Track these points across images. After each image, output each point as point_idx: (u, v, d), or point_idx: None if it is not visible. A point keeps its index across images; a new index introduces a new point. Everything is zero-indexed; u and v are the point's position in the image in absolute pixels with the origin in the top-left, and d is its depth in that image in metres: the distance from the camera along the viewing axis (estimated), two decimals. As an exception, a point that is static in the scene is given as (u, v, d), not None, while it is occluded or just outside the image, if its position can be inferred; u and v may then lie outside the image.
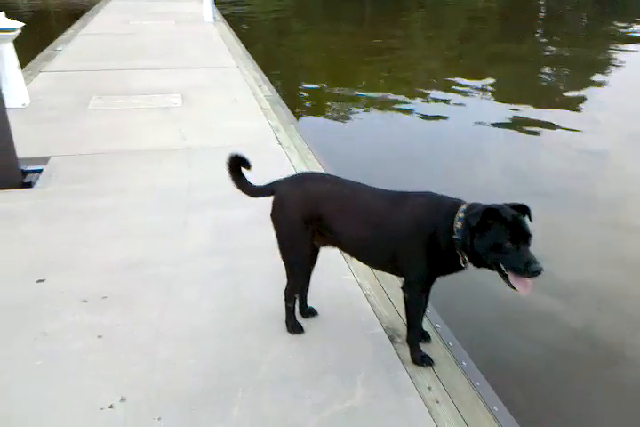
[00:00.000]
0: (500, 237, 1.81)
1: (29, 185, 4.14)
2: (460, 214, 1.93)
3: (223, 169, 2.27)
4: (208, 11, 11.84)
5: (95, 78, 7.11)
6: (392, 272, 2.27)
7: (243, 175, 2.31)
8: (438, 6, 26.24)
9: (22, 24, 5.67)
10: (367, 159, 6.46)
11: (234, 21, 15.16)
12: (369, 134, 8.53)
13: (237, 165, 2.28)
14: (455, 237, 1.93)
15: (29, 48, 9.79)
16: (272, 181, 2.27)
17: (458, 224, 1.92)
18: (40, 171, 4.36)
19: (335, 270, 2.95)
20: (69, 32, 10.52)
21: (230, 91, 6.68)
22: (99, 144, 4.87)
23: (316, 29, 18.40)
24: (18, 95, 5.79)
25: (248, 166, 2.28)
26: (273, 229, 2.25)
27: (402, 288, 2.17)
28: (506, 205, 1.88)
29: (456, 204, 2.00)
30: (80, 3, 25.36)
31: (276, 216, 2.23)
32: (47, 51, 8.75)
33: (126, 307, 2.60)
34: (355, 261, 2.49)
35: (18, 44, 5.77)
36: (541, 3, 26.19)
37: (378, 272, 2.89)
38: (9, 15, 5.66)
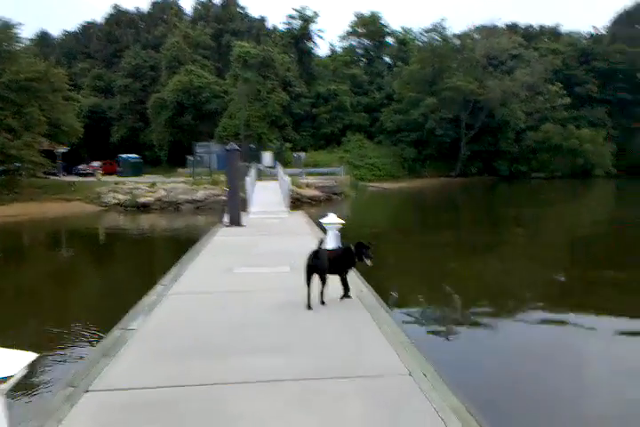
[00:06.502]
0: None
1: None
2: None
3: None
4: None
5: (165, 410, 4.04)
6: None
7: None
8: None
9: (33, 357, 2.89)
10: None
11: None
12: None
13: None
14: None
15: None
16: None
17: None
18: None
19: None
20: (157, 289, 8.09)
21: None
22: None
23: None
24: None
25: None
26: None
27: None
28: None
29: None
30: (190, 231, 24.70)
31: None
32: (116, 331, 6.09)
33: None
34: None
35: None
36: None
37: None
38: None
